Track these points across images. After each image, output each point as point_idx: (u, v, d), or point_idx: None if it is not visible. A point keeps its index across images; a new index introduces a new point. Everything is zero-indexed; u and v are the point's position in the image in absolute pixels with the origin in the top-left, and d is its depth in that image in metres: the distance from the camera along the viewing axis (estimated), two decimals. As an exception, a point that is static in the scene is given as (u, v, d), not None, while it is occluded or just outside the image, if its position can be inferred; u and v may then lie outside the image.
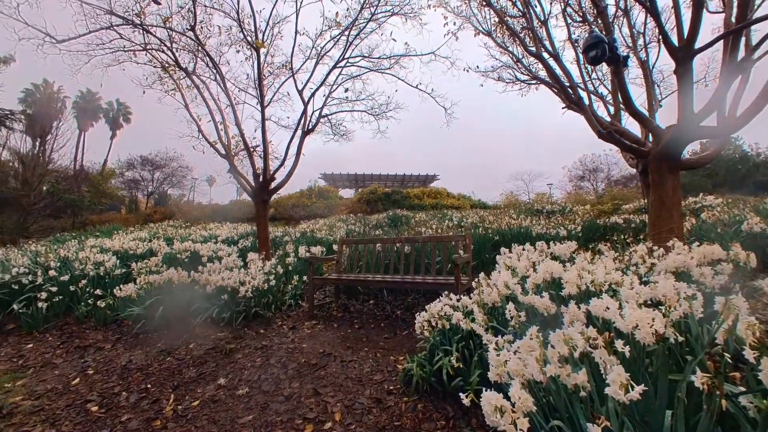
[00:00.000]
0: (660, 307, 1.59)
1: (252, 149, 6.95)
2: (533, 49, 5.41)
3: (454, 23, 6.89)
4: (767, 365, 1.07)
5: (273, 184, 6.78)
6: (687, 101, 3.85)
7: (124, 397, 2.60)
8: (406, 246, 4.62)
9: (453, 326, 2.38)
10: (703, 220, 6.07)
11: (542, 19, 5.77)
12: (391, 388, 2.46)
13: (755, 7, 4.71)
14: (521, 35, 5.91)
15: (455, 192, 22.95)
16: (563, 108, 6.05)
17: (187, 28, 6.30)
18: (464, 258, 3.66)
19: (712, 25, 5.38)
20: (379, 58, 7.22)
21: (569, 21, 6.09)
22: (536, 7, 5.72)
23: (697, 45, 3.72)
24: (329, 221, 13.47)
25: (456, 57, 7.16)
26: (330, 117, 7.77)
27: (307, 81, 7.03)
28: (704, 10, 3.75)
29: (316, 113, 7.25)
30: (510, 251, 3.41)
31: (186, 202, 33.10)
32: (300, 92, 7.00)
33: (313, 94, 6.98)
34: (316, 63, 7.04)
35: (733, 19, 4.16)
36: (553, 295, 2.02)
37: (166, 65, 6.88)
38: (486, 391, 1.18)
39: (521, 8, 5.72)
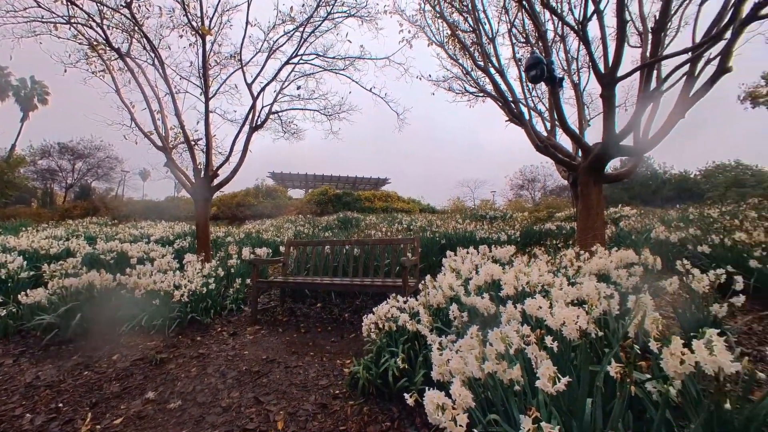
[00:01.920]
0: (584, 305, 1.76)
1: (193, 142, 6.49)
2: (481, 63, 5.73)
3: (409, 31, 7.07)
4: (667, 354, 1.22)
5: (216, 181, 6.39)
6: (610, 122, 4.32)
7: (28, 419, 2.26)
8: (355, 248, 4.61)
9: (400, 328, 2.41)
10: (621, 228, 6.85)
11: (490, 36, 6.13)
12: (338, 392, 2.43)
13: (665, 45, 5.43)
14: (471, 49, 6.24)
15: (405, 196, 23.45)
16: (506, 121, 6.47)
17: (121, 5, 5.71)
18: (412, 261, 3.74)
19: (632, 57, 6.10)
20: (333, 58, 7.17)
21: (514, 41, 6.56)
22: (485, 24, 6.08)
23: (620, 73, 4.20)
24: (277, 222, 13.00)
25: (409, 64, 7.34)
26: (280, 114, 7.54)
27: (258, 75, 6.75)
28: (626, 43, 4.24)
29: (266, 109, 6.98)
30: (455, 254, 3.56)
31: (114, 197, 29.85)
32: (249, 86, 6.69)
33: (263, 89, 6.71)
34: (268, 57, 6.79)
35: (648, 54, 4.77)
36: (493, 295, 2.14)
37: (95, 43, 6.17)
38: (429, 390, 1.21)
39: (472, 24, 6.03)
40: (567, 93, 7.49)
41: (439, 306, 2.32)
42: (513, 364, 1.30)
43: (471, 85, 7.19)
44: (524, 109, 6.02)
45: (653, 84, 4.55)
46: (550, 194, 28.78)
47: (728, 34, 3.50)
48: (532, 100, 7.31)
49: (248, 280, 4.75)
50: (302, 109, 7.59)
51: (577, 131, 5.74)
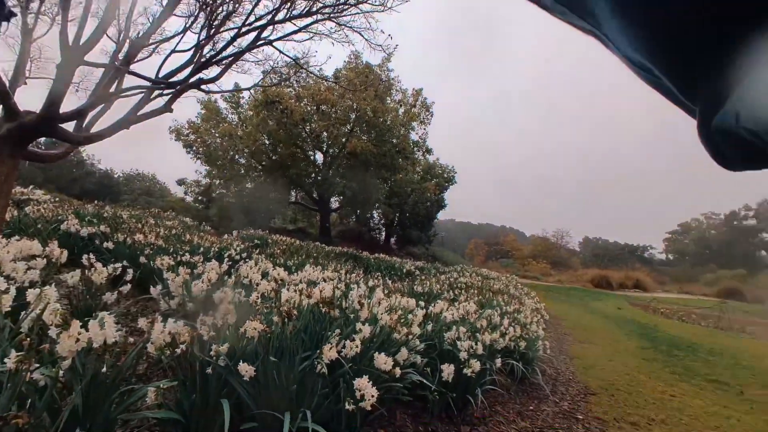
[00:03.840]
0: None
1: None
2: None
3: None
4: (65, 337, 1.39)
5: None
6: (56, 95, 3.91)
7: None
8: None
9: None
10: (26, 213, 5.92)
11: None
12: None
13: (134, 60, 5.88)
14: None
15: None
16: None
17: None
18: None
19: (107, 49, 5.83)
20: None
21: None
22: None
23: (87, 57, 4.02)
24: None
25: None
26: None
27: None
28: (104, 32, 4.18)
29: None
30: None
31: None
32: None
33: None
34: None
35: (121, 57, 4.98)
36: None
37: None
38: None
39: None
40: (11, 30, 5.70)
41: None
42: None
43: None
44: None
45: (114, 87, 4.76)
46: None
47: (179, 87, 4.60)
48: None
49: None
50: None
51: (8, 84, 4.53)
